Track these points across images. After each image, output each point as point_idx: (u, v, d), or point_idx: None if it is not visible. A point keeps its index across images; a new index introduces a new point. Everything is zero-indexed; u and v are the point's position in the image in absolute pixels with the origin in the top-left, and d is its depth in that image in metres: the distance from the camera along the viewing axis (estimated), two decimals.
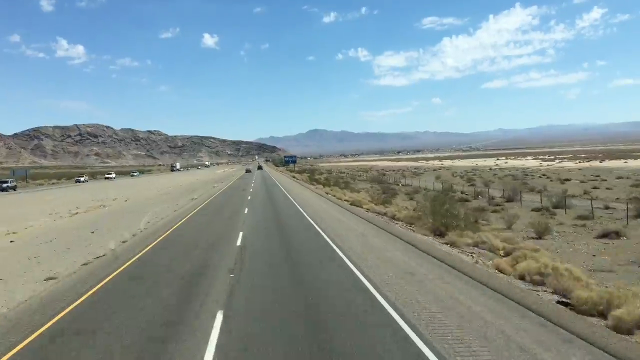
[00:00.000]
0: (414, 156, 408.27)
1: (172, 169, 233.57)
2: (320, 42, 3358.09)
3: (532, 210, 36.80)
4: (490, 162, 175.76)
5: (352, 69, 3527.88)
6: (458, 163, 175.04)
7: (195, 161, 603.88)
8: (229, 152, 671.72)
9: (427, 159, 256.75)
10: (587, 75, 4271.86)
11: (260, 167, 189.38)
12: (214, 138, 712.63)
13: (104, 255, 18.43)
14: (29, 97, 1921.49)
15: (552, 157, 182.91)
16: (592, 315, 10.35)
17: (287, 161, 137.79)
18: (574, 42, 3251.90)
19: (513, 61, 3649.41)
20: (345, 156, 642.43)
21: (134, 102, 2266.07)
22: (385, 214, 31.17)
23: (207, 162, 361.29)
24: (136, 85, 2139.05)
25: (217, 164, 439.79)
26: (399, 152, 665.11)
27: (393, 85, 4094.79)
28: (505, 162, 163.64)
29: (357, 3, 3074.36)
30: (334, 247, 19.00)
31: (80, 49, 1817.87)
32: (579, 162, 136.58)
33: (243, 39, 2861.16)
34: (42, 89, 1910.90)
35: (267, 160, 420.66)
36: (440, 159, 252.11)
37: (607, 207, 36.31)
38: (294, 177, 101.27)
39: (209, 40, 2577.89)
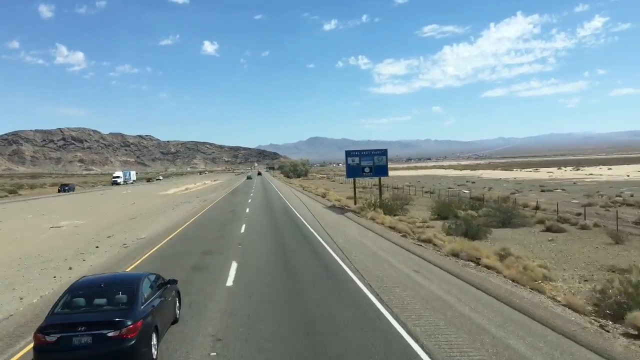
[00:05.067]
0: (441, 163, 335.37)
1: None
2: (321, 49, 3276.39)
3: None
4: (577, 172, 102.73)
5: (353, 77, 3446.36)
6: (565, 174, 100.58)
7: (189, 169, 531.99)
8: (226, 159, 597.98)
9: (492, 167, 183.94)
10: (588, 84, 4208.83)
11: (259, 173, 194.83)
12: (210, 144, 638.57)
13: None
14: (28, 103, 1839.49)
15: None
16: None
17: (358, 169, 39.62)
18: (575, 50, 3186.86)
19: (514, 70, 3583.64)
20: None
21: (132, 109, 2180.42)
22: None
23: (121, 174, 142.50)
24: (136, 92, 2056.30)
25: (177, 174, 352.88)
26: (409, 160, 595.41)
27: (393, 93, 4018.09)
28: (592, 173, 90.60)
29: (358, 11, 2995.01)
30: None
31: (80, 55, 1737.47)
32: None
33: (243, 46, 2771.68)
34: (41, 96, 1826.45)
35: (270, 168, 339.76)
36: (503, 166, 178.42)
37: None
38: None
39: (209, 47, 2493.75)
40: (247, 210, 36.65)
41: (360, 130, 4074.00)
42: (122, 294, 8.44)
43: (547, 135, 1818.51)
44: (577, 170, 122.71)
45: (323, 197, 49.24)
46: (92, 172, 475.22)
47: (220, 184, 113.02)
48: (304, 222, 27.72)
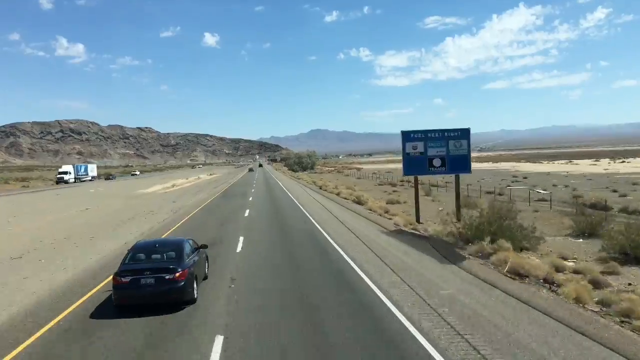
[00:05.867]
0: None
1: None
2: (322, 41, 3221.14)
3: None
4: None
5: (354, 69, 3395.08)
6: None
7: (189, 161, 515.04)
8: (227, 151, 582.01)
9: (515, 159, 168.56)
10: (590, 76, 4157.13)
11: (260, 165, 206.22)
12: (210, 136, 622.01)
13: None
14: (27, 96, 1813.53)
15: None
16: None
17: (423, 161, 24.55)
18: (577, 42, 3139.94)
19: (516, 62, 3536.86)
20: (355, 156, 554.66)
21: (133, 102, 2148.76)
22: None
23: (70, 169, 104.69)
24: (136, 84, 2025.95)
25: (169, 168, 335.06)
26: None
27: (395, 85, 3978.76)
28: None
29: (360, 2, 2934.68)
30: None
31: (80, 47, 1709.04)
32: None
33: (244, 38, 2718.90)
34: (40, 88, 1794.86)
35: (272, 160, 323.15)
36: (525, 159, 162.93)
37: None
38: None
39: (210, 39, 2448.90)
40: (240, 242, 18.93)
41: (361, 122, 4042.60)
42: (171, 251, 11.39)
43: (550, 127, 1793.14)
44: (623, 162, 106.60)
45: (358, 203, 33.18)
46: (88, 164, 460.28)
47: (215, 179, 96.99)
48: (398, 312, 9.87)
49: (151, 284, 10.29)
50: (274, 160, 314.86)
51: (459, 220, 25.35)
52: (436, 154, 24.93)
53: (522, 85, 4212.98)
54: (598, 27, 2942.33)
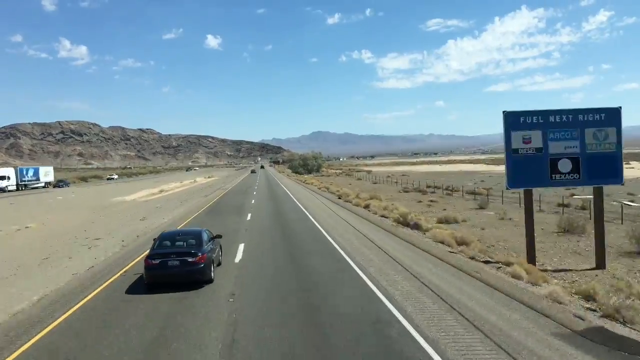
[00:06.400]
0: (459, 158, 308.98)
1: None
2: (324, 43, 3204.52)
3: None
4: None
5: (356, 71, 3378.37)
6: None
7: (190, 163, 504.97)
8: (228, 153, 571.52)
9: None
10: (592, 79, 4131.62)
11: (262, 167, 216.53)
12: (212, 137, 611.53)
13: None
14: (30, 97, 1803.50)
15: None
16: None
17: (542, 163, 14.13)
18: (579, 45, 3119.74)
19: (518, 64, 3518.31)
20: (358, 158, 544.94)
21: (135, 104, 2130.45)
22: None
23: (9, 173, 77.77)
24: (139, 86, 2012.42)
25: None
26: (415, 154, 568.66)
27: (397, 87, 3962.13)
28: None
29: (362, 4, 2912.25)
30: None
31: (83, 49, 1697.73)
32: None
33: (246, 41, 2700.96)
34: (43, 90, 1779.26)
35: (275, 162, 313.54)
36: None
37: None
38: None
39: (212, 41, 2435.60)
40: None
41: (363, 124, 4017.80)
42: (192, 239, 13.50)
43: None
44: None
45: (406, 225, 22.61)
46: (90, 166, 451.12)
47: (211, 183, 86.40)
48: None
49: (176, 265, 12.30)
50: (277, 162, 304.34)
51: (599, 265, 15.10)
52: (564, 151, 14.58)
53: (524, 87, 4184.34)
54: (600, 30, 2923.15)
